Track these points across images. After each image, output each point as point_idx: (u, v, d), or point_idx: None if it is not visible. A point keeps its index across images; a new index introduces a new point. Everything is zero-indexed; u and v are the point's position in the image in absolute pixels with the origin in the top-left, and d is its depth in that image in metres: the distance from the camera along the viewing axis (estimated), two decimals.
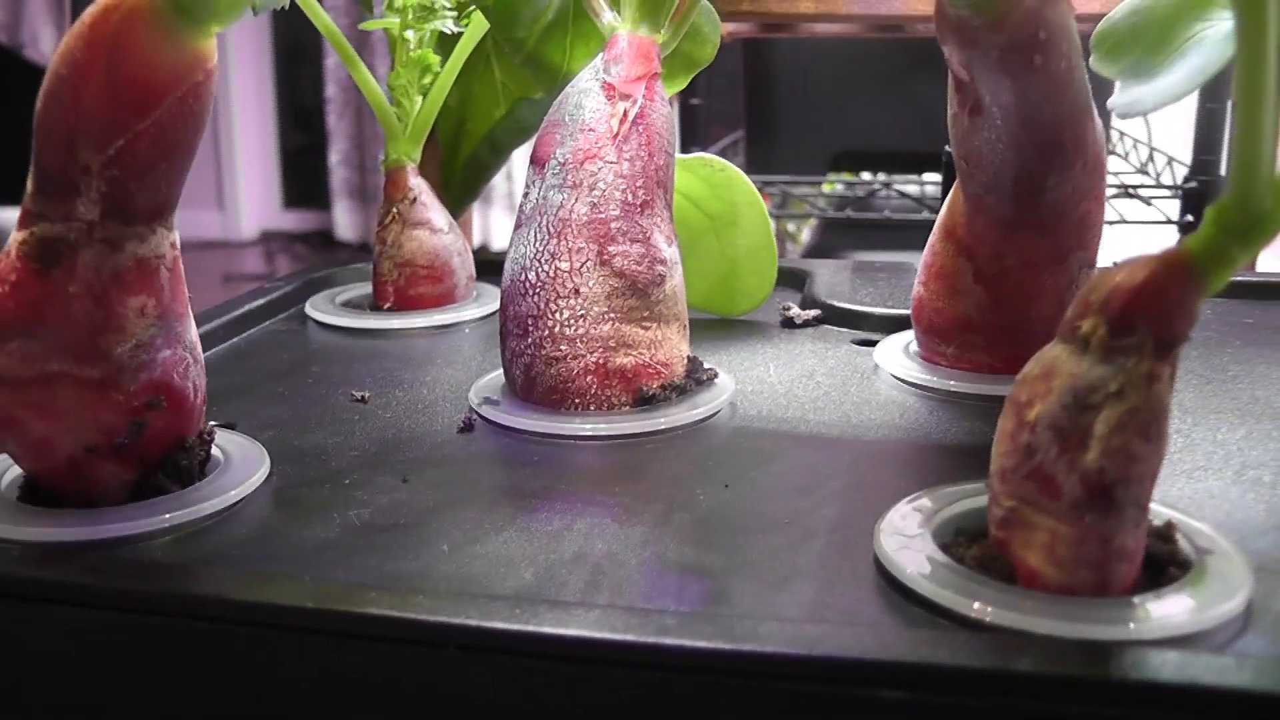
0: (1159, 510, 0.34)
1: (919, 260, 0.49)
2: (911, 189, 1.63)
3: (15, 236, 0.34)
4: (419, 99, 0.60)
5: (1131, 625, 0.29)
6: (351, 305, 0.59)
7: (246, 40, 3.97)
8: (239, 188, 4.16)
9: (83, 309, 0.33)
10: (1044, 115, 0.39)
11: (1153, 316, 0.29)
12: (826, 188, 1.71)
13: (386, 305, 0.58)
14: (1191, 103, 1.37)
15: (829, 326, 0.57)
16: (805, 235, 2.00)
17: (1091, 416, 0.29)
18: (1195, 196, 1.56)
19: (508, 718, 0.28)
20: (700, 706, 0.27)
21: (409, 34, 0.59)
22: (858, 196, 1.68)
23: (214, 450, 0.39)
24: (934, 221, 0.47)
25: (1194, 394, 0.48)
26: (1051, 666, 0.26)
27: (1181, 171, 1.51)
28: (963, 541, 0.33)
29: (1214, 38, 0.40)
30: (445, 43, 0.61)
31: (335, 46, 0.57)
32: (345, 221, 5.21)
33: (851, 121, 1.73)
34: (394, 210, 0.58)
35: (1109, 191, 1.64)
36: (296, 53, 4.34)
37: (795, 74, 1.75)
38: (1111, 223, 1.57)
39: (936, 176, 1.62)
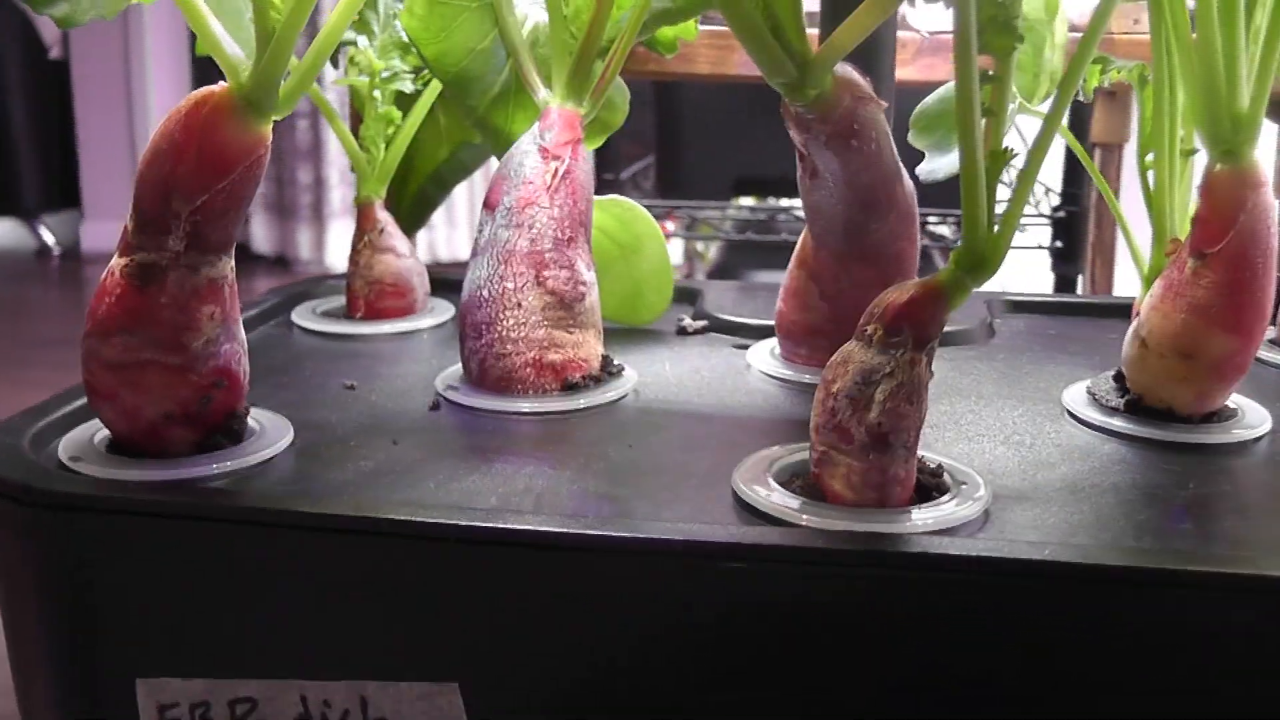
0: (938, 459, 0.49)
1: None
2: None
3: (118, 261, 0.47)
4: (383, 146, 0.73)
5: (899, 523, 0.43)
6: (329, 314, 0.73)
7: (165, 50, 4.00)
8: None
9: (169, 315, 0.47)
10: (861, 180, 0.54)
11: (912, 324, 0.44)
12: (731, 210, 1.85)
13: (358, 315, 0.71)
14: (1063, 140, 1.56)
15: (715, 334, 0.71)
16: (713, 254, 2.16)
17: (873, 389, 0.44)
18: (1063, 224, 1.73)
19: (486, 593, 0.42)
20: (609, 578, 0.41)
21: (376, 93, 0.73)
22: (759, 219, 1.83)
23: (251, 421, 0.52)
24: None
25: (993, 385, 0.63)
26: (844, 545, 0.41)
27: (1055, 201, 1.69)
28: (794, 479, 0.47)
29: None
30: (402, 98, 0.74)
31: (317, 103, 0.70)
32: (261, 235, 5.23)
33: (753, 149, 1.88)
34: (365, 238, 0.71)
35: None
36: (214, 65, 4.36)
37: (701, 106, 1.90)
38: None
39: None
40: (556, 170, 0.58)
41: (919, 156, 0.61)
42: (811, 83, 0.50)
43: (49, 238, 3.86)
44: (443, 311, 0.73)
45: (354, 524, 0.42)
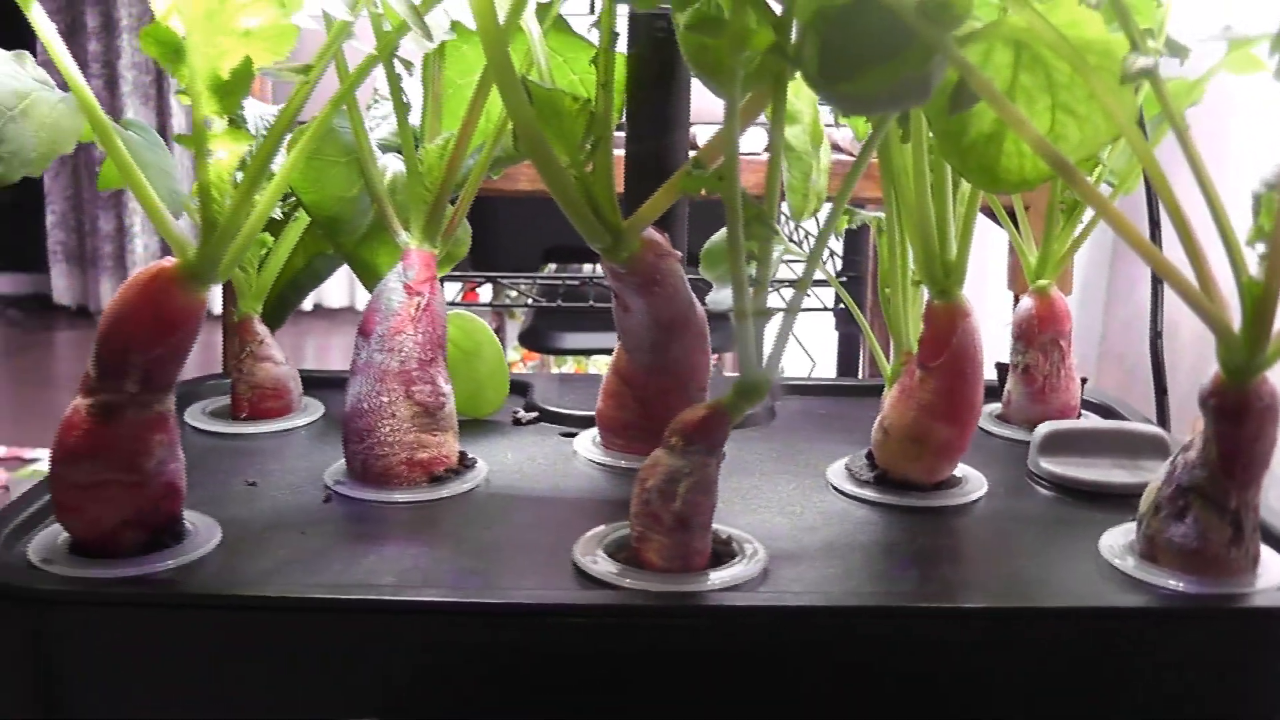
0: (728, 531, 0.64)
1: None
2: None
3: (82, 401, 0.59)
4: (258, 266, 0.86)
5: (698, 583, 0.59)
6: (216, 415, 0.85)
7: None
8: None
9: (128, 444, 0.59)
10: (662, 314, 0.70)
11: (704, 437, 0.59)
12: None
13: (243, 415, 0.84)
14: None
15: (544, 424, 0.86)
16: (524, 316, 2.30)
17: (677, 484, 0.59)
18: (845, 288, 1.93)
19: (400, 650, 0.56)
20: (481, 634, 0.55)
21: None
22: (568, 286, 1.98)
23: (186, 522, 0.65)
24: None
25: (772, 463, 0.79)
26: (656, 602, 0.56)
27: (839, 265, 1.89)
28: (620, 551, 0.62)
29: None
30: (273, 222, 0.87)
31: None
32: (63, 286, 5.13)
33: (561, 222, 2.04)
34: (248, 349, 0.84)
35: (782, 280, 1.99)
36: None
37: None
38: (779, 311, 1.93)
39: None
40: (419, 304, 0.72)
41: None
42: (623, 247, 0.65)
43: None
44: (315, 410, 0.86)
45: (287, 604, 0.56)
